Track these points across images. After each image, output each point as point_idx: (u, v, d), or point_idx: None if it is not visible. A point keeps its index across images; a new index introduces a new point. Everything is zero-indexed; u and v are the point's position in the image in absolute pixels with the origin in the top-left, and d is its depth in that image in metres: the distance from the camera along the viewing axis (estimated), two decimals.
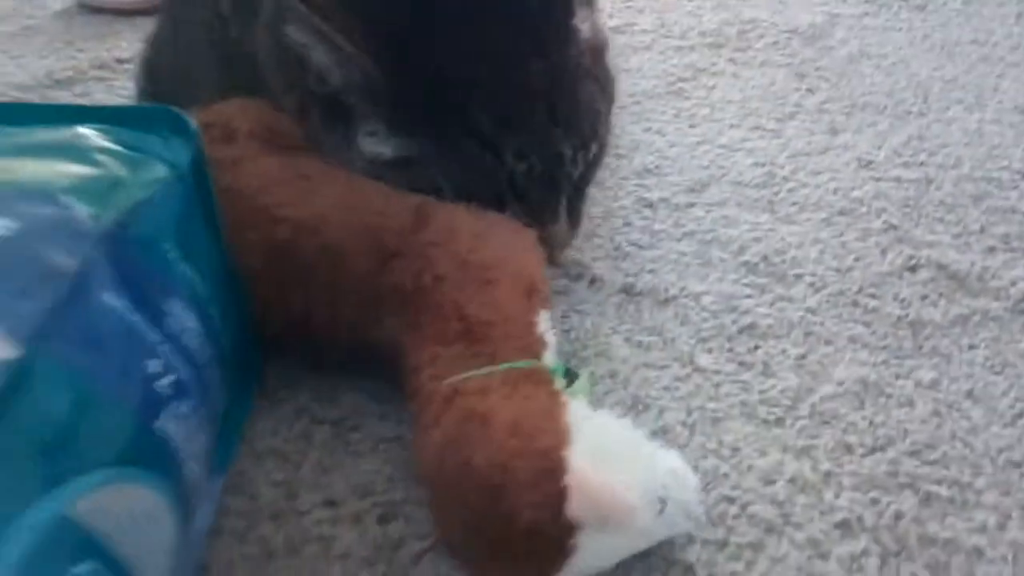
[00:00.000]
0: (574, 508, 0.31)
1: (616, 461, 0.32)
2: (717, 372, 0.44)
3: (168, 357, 0.30)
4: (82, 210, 0.28)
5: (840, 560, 0.36)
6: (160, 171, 0.33)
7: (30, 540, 0.22)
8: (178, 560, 0.29)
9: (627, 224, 0.54)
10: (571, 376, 0.38)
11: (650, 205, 0.56)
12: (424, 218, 0.40)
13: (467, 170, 0.41)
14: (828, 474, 0.39)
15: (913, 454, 0.40)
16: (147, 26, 0.60)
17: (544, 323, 0.39)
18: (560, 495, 0.31)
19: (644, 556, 0.35)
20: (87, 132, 0.32)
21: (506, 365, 0.35)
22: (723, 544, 0.36)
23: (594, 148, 0.45)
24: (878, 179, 0.58)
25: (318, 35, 0.40)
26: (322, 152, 0.43)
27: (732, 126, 0.63)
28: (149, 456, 0.28)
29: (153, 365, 0.29)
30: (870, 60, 0.72)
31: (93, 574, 0.24)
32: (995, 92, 0.68)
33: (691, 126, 0.64)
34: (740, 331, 0.46)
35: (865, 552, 0.36)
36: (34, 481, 0.23)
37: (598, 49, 0.48)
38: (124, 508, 0.26)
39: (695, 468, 0.37)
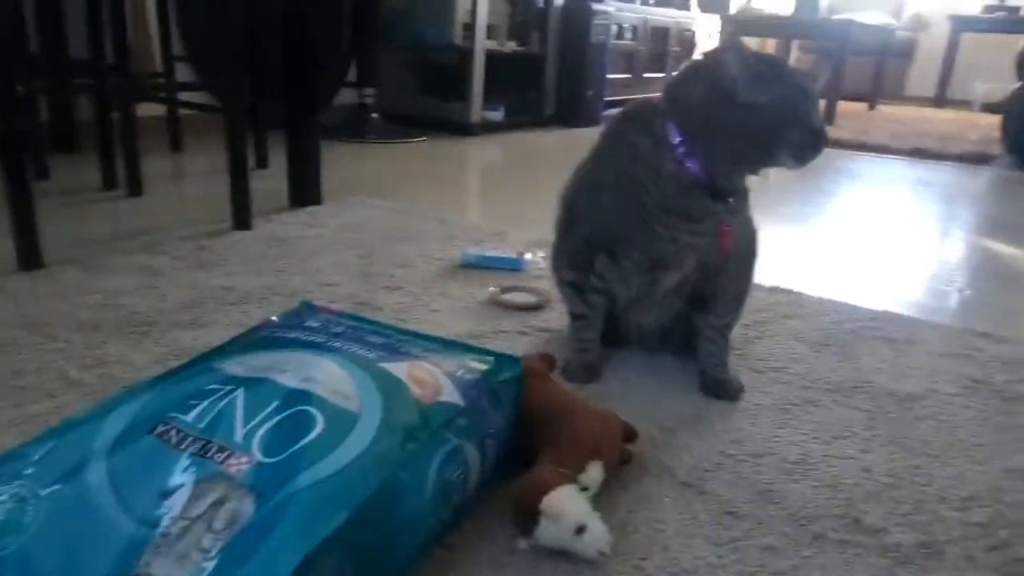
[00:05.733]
0: (542, 502, 0.84)
1: (569, 501, 0.85)
2: None
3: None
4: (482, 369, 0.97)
5: None
6: (509, 372, 0.99)
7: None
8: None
9: None
10: (584, 487, 0.90)
11: None
12: (572, 410, 0.99)
13: None
14: None
15: None
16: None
17: (594, 467, 0.92)
18: (540, 496, 0.84)
19: None
20: (487, 357, 1.02)
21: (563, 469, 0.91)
22: None
23: None
24: None
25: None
26: None
27: None
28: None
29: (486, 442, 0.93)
30: None
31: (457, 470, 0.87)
32: None
33: None
34: None
35: None
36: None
37: None
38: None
39: None
